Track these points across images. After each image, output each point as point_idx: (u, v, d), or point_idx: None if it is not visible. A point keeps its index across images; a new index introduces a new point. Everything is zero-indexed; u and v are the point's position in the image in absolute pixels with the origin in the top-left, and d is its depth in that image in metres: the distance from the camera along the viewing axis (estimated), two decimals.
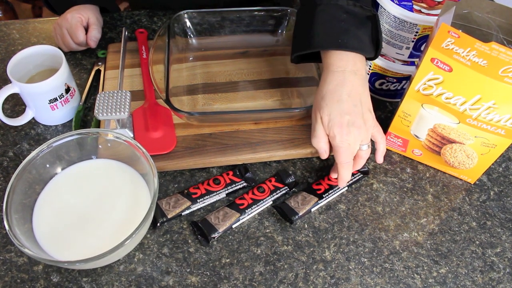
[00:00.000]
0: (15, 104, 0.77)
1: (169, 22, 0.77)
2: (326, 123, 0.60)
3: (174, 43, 0.79)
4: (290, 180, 0.67)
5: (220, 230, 0.61)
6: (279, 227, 0.64)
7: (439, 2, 0.69)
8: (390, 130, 0.70)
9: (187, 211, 0.64)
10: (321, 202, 0.65)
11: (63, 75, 0.70)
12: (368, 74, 0.77)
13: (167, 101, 0.66)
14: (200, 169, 0.69)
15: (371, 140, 0.64)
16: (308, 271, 0.60)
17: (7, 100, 0.77)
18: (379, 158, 0.66)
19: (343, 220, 0.65)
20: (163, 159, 0.66)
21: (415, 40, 0.70)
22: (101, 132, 0.63)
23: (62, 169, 0.63)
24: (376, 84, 0.78)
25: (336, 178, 0.66)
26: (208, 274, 0.59)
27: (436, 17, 0.64)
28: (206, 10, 0.80)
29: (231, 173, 0.67)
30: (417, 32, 0.69)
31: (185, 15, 0.80)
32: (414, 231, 0.64)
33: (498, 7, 0.58)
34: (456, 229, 0.65)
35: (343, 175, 0.62)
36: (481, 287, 0.60)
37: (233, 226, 0.63)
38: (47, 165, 0.61)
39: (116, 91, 0.65)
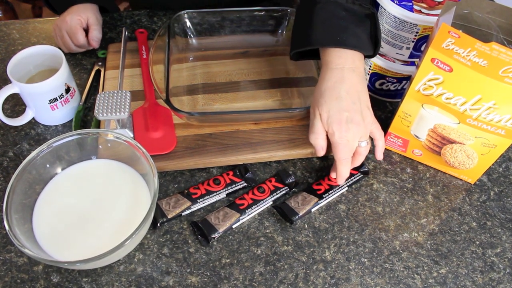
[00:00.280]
0: (15, 104, 0.77)
1: (169, 22, 0.77)
2: (325, 120, 0.61)
3: (174, 43, 0.79)
4: (290, 180, 0.67)
5: (220, 230, 0.61)
6: (279, 227, 0.64)
7: (439, 2, 0.69)
8: (390, 130, 0.70)
9: (187, 211, 0.64)
10: (321, 202, 0.65)
11: (63, 75, 0.70)
12: (368, 74, 0.77)
13: (167, 101, 0.66)
14: (200, 169, 0.69)
15: (370, 137, 0.64)
16: (308, 271, 0.60)
17: (7, 100, 0.77)
18: (379, 155, 0.66)
19: (343, 220, 0.65)
20: (163, 159, 0.66)
21: (415, 40, 0.70)
22: (101, 132, 0.63)
23: (62, 169, 0.63)
24: (376, 84, 0.78)
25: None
26: (208, 274, 0.59)
27: (436, 17, 0.64)
28: (206, 10, 0.80)
29: (231, 173, 0.67)
30: (417, 32, 0.68)
31: (185, 15, 0.80)
32: (414, 231, 0.64)
33: (498, 7, 0.58)
34: (456, 229, 0.65)
35: (342, 171, 0.63)
36: (481, 287, 0.60)
37: (233, 226, 0.63)
38: (47, 165, 0.61)
39: (116, 91, 0.65)
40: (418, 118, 0.65)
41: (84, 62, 0.84)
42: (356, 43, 0.61)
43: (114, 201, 0.60)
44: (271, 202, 0.65)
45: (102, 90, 0.77)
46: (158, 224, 0.62)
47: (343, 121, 0.59)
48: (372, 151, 0.69)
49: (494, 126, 0.59)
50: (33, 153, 0.59)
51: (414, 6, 0.68)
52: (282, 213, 0.64)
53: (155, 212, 0.62)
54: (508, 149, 0.74)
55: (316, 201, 0.65)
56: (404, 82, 0.75)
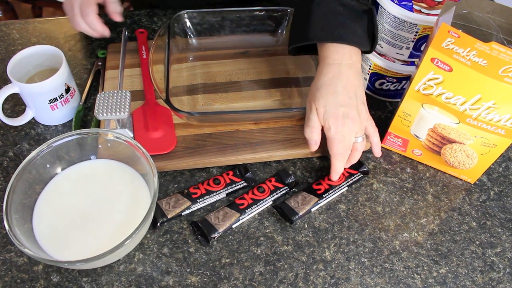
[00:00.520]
0: (15, 104, 0.77)
1: (169, 22, 0.77)
2: (322, 114, 0.61)
3: (174, 43, 0.79)
4: (290, 180, 0.67)
5: (220, 230, 0.61)
6: (279, 227, 0.64)
7: (439, 2, 0.69)
8: (390, 130, 0.70)
9: (187, 211, 0.64)
10: (321, 202, 0.65)
11: (63, 75, 0.70)
12: (368, 74, 0.77)
13: (167, 101, 0.66)
14: (200, 169, 0.69)
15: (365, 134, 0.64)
16: (308, 271, 0.60)
17: (7, 100, 0.77)
18: (376, 150, 0.67)
19: (343, 220, 0.65)
20: (163, 159, 0.66)
21: (415, 40, 0.70)
22: (101, 132, 0.63)
23: (62, 169, 0.63)
24: (376, 84, 0.78)
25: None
26: (208, 274, 0.59)
27: (436, 17, 0.64)
28: (206, 10, 0.80)
29: (231, 173, 0.67)
30: (417, 32, 0.68)
31: (185, 15, 0.80)
32: (414, 231, 0.64)
33: (498, 7, 0.58)
34: (456, 229, 0.65)
35: (337, 166, 0.63)
36: (481, 287, 0.60)
37: (233, 226, 0.63)
38: (47, 165, 0.61)
39: (116, 91, 0.65)
40: (418, 118, 0.65)
41: (84, 62, 0.84)
42: (353, 39, 0.62)
43: (114, 201, 0.60)
44: (271, 202, 0.65)
45: (102, 90, 0.77)
46: (158, 224, 0.62)
47: (340, 116, 0.60)
48: (371, 150, 0.69)
49: (494, 125, 0.59)
50: (33, 153, 0.59)
51: (414, 6, 0.68)
52: (282, 213, 0.64)
53: (155, 212, 0.62)
54: (508, 148, 0.74)
55: (316, 201, 0.65)
56: (404, 82, 0.75)
